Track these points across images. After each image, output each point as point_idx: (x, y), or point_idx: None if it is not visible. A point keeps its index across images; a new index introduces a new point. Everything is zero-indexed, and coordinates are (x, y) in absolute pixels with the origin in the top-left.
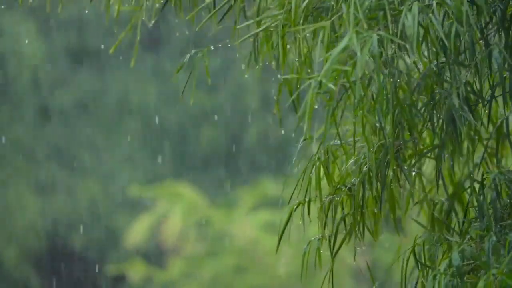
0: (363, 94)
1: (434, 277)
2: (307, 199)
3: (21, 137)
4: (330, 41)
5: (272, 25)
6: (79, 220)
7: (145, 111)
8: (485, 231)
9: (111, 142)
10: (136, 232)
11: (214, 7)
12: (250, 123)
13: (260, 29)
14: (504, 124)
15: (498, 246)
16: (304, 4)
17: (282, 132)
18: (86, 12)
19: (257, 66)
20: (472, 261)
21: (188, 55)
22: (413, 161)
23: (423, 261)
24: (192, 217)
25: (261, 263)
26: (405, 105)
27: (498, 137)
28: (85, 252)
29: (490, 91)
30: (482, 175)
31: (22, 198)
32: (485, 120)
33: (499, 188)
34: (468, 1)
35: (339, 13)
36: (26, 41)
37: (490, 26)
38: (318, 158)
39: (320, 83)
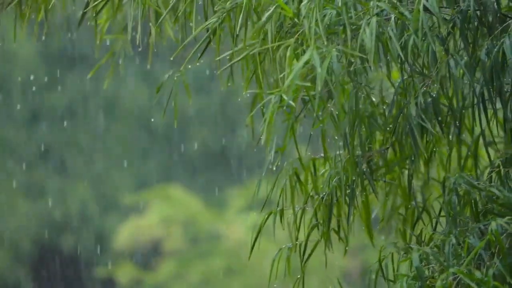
0: (322, 108)
1: (397, 280)
2: (279, 209)
3: (11, 140)
4: (295, 56)
5: (250, 54)
6: (69, 223)
7: (135, 113)
8: (448, 236)
9: (101, 144)
10: (126, 235)
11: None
12: (241, 124)
13: (238, 58)
14: (481, 138)
15: (459, 250)
16: (271, 29)
17: (255, 150)
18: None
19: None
20: (433, 265)
21: (167, 75)
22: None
23: (390, 272)
24: (183, 219)
25: (251, 264)
26: (365, 116)
27: (475, 148)
28: (75, 254)
29: (460, 104)
30: (444, 179)
31: (12, 200)
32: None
33: (460, 192)
34: (426, 13)
35: (301, 29)
36: (17, 43)
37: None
38: (290, 170)
39: (281, 98)
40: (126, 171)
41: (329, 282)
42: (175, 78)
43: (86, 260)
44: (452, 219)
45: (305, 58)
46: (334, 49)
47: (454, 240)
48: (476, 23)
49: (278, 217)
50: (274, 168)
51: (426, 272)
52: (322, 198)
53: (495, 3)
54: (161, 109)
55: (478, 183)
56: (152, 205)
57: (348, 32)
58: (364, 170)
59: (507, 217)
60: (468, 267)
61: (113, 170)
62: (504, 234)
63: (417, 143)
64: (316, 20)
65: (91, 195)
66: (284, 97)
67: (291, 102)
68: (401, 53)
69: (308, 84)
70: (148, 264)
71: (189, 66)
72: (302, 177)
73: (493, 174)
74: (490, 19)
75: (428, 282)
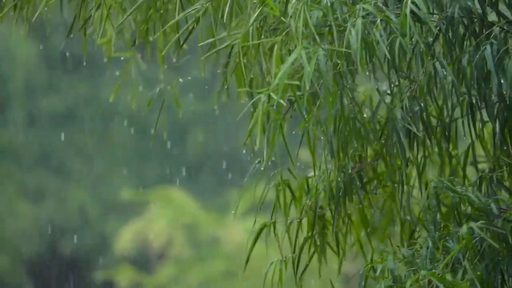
0: (308, 108)
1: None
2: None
3: (11, 143)
4: (282, 56)
5: (233, 43)
6: (69, 226)
7: (135, 116)
8: (426, 239)
9: (101, 147)
10: (126, 238)
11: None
12: (241, 126)
13: (221, 46)
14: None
15: (436, 253)
16: (255, 23)
17: (260, 167)
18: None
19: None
20: (414, 268)
21: (158, 88)
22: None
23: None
24: (183, 222)
25: (250, 268)
26: (350, 118)
27: (465, 158)
28: (75, 257)
29: (450, 112)
30: (426, 184)
31: (12, 204)
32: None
33: (443, 197)
34: (412, 18)
35: (288, 29)
36: (17, 46)
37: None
38: (280, 182)
39: (269, 97)
40: (127, 173)
41: (329, 284)
42: (169, 87)
43: (86, 262)
44: (433, 223)
45: (293, 57)
46: (320, 49)
47: (430, 244)
48: (463, 30)
49: (272, 229)
50: (267, 171)
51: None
52: (312, 209)
53: (482, 11)
54: (162, 112)
55: (460, 188)
56: (152, 208)
57: (334, 33)
58: (352, 180)
59: (480, 221)
60: (444, 270)
61: (113, 172)
62: (477, 238)
63: (403, 146)
64: (305, 19)
65: (91, 198)
66: (273, 95)
67: (281, 101)
68: (387, 54)
69: (297, 83)
70: (148, 267)
71: (180, 80)
72: (293, 183)
73: (479, 180)
74: (477, 26)
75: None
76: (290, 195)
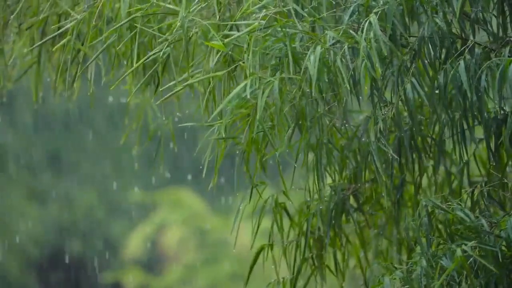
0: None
1: None
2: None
3: (18, 145)
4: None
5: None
6: (77, 228)
7: (142, 118)
8: (420, 258)
9: (109, 149)
10: (134, 240)
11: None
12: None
13: (181, 87)
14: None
15: (430, 272)
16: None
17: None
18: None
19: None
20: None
21: (155, 124)
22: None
23: None
24: (191, 224)
25: (258, 271)
26: (323, 144)
27: (462, 175)
28: (83, 260)
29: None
30: (418, 203)
31: (19, 206)
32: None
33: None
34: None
35: (239, 62)
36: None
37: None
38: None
39: (225, 128)
40: (135, 176)
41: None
42: (165, 120)
43: (93, 265)
44: (426, 241)
45: (240, 87)
46: (276, 80)
47: (424, 263)
48: (444, 50)
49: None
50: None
51: None
52: (311, 230)
53: (461, 30)
54: (167, 115)
55: (450, 206)
56: (160, 210)
57: (290, 62)
58: (346, 201)
59: (472, 241)
60: None
61: (121, 175)
62: (471, 259)
63: (379, 168)
64: (259, 49)
65: (98, 200)
66: (222, 131)
67: (222, 132)
68: (345, 79)
69: (245, 111)
70: (156, 269)
71: (178, 114)
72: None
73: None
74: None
75: None
76: (287, 216)
